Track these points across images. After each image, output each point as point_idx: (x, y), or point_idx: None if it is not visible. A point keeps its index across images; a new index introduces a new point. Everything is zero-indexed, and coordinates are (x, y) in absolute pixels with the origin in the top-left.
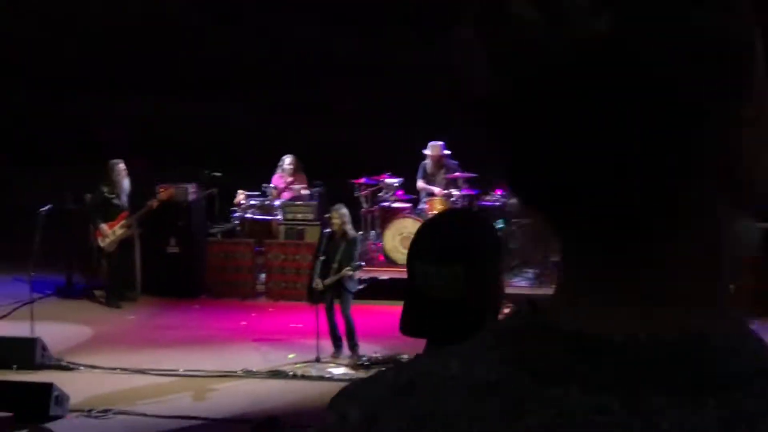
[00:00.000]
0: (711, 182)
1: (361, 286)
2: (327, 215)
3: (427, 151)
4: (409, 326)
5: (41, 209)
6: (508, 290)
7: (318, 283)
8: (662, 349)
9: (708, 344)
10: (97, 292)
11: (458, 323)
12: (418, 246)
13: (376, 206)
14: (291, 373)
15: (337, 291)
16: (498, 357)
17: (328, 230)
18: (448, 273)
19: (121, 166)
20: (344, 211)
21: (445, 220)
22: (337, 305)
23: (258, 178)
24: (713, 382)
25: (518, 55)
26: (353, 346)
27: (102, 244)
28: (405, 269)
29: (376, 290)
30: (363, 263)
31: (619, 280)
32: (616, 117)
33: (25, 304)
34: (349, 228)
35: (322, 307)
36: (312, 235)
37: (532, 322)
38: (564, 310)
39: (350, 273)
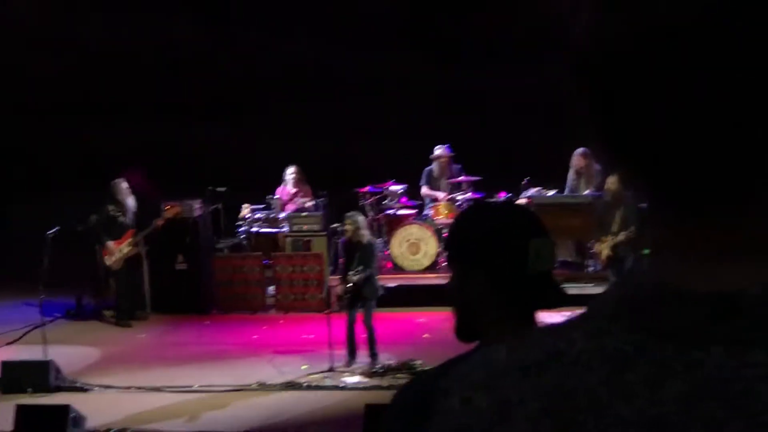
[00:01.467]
0: None
1: (383, 292)
2: (334, 225)
3: (435, 153)
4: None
5: (48, 232)
6: None
7: (344, 287)
8: None
9: None
10: (107, 312)
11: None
12: (523, 225)
13: (382, 214)
14: (305, 384)
15: (362, 300)
16: (626, 326)
17: (342, 239)
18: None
19: (124, 184)
20: (358, 218)
21: (507, 205)
22: (359, 314)
23: (262, 191)
24: None
25: (633, 11)
26: (373, 355)
27: (108, 263)
28: (413, 275)
29: (384, 298)
30: (376, 270)
31: (724, 240)
32: (731, 79)
33: (36, 327)
34: (363, 233)
35: (334, 316)
36: (319, 246)
37: (659, 289)
38: (676, 273)
39: (355, 278)
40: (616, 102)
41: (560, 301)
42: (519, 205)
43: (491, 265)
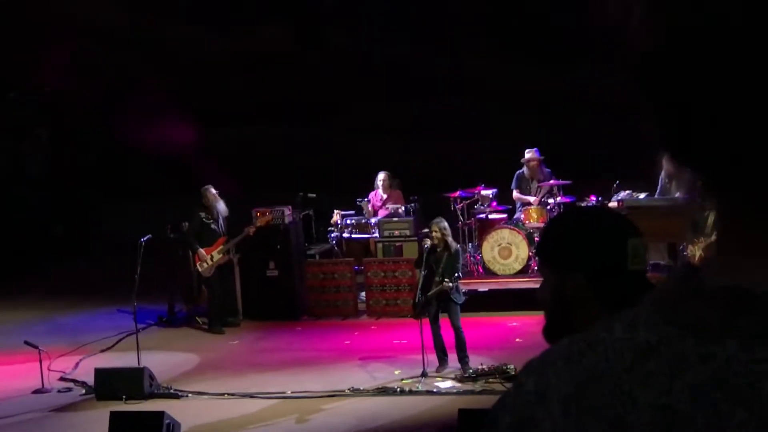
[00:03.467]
0: None
1: (466, 297)
2: (425, 230)
3: (525, 157)
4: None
5: (141, 240)
6: None
7: (421, 298)
8: None
9: None
10: (200, 319)
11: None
12: (618, 226)
13: (473, 218)
14: (398, 389)
15: (443, 304)
16: (660, 319)
17: (428, 244)
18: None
19: (213, 190)
20: (444, 224)
21: (599, 208)
22: (443, 318)
23: (353, 197)
24: None
25: (688, 7)
26: (463, 358)
27: (200, 269)
28: (505, 280)
29: (475, 303)
30: (460, 274)
31: None
32: None
33: (129, 334)
34: (450, 240)
35: (426, 321)
36: (410, 251)
37: (687, 283)
38: (720, 269)
39: (450, 285)
40: (682, 102)
41: None
42: (610, 208)
43: (590, 266)
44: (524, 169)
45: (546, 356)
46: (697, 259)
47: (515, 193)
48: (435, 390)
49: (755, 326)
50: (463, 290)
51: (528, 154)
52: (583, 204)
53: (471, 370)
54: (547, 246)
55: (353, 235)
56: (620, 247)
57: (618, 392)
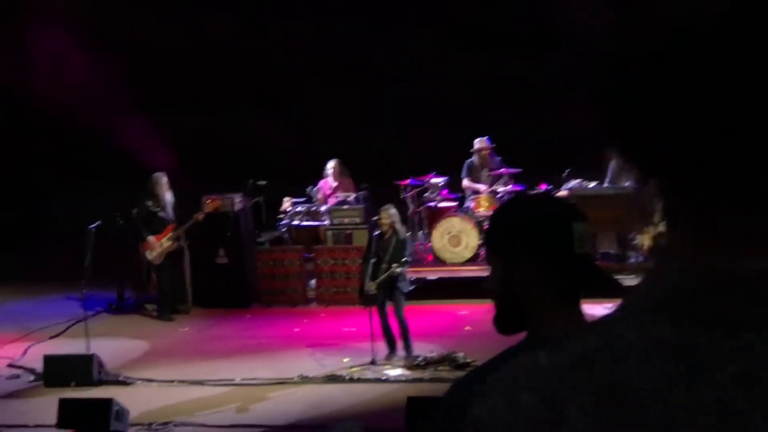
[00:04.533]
0: None
1: (412, 287)
2: (375, 217)
3: (475, 146)
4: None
5: (90, 226)
6: None
7: (370, 285)
8: None
9: None
10: (149, 306)
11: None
12: (563, 211)
13: (423, 206)
14: (347, 377)
15: (390, 292)
16: (672, 316)
17: (377, 232)
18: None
19: (165, 179)
20: (393, 211)
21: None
22: (390, 307)
23: (303, 185)
24: None
25: (655, 11)
26: (408, 347)
27: (149, 257)
28: (454, 268)
29: (425, 290)
30: (410, 259)
31: (750, 231)
32: (754, 77)
33: (78, 321)
34: (399, 227)
35: (375, 309)
36: (360, 239)
37: (696, 278)
38: (712, 263)
39: (398, 270)
40: (641, 108)
41: (605, 285)
42: (553, 195)
43: (538, 251)
44: (475, 157)
45: (529, 367)
46: (645, 248)
47: (465, 182)
48: (384, 378)
49: None
50: (412, 278)
51: (478, 143)
52: (532, 192)
53: (420, 358)
54: (495, 234)
55: (303, 223)
56: (566, 232)
57: (657, 396)
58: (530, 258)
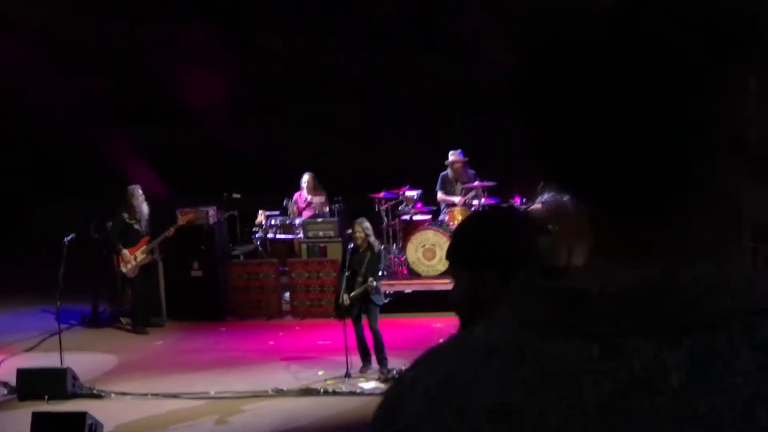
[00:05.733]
0: (724, 149)
1: (387, 300)
2: (349, 230)
3: (449, 159)
4: None
5: (65, 239)
6: None
7: (344, 299)
8: (640, 295)
9: (688, 289)
10: (124, 320)
11: None
12: (528, 225)
13: (397, 219)
14: (321, 390)
15: (364, 305)
16: (512, 318)
17: (351, 245)
18: (553, 242)
19: (139, 191)
20: (367, 224)
21: (508, 209)
22: (364, 320)
23: (277, 198)
24: (691, 322)
25: (532, 29)
26: (382, 360)
27: (124, 270)
28: (429, 281)
29: (400, 303)
30: (385, 273)
31: (626, 243)
32: (628, 86)
33: (53, 334)
34: (373, 240)
35: (349, 322)
36: (334, 252)
37: (531, 284)
38: (576, 273)
39: (373, 285)
40: (532, 122)
41: None
42: (518, 209)
43: (504, 262)
44: (448, 170)
45: (424, 353)
46: None
47: (439, 195)
48: (358, 390)
49: (580, 324)
50: (386, 291)
51: (452, 155)
52: (490, 208)
53: (395, 371)
54: (460, 246)
55: (278, 236)
56: (531, 242)
57: (466, 387)
58: (496, 269)
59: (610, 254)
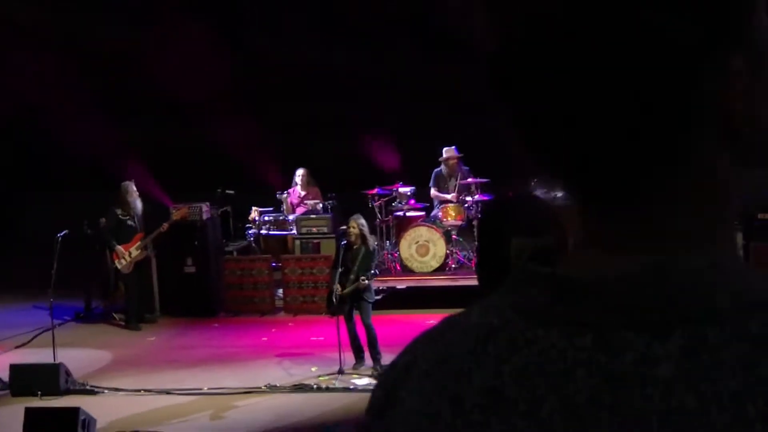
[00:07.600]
0: (709, 133)
1: (379, 296)
2: (342, 227)
3: (443, 156)
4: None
5: (58, 235)
6: None
7: (337, 289)
8: (633, 286)
9: (680, 280)
10: (117, 316)
11: None
12: (509, 224)
13: (390, 216)
14: (315, 386)
15: (357, 301)
16: (506, 304)
17: (344, 242)
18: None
19: (133, 187)
20: (362, 221)
21: (524, 200)
22: (357, 316)
23: (271, 194)
24: (682, 315)
25: (513, 12)
26: (375, 356)
27: (119, 266)
28: (422, 277)
29: (393, 300)
30: (377, 271)
31: (614, 231)
32: (610, 70)
33: (46, 330)
34: (368, 237)
35: (342, 318)
36: (328, 248)
37: (526, 270)
38: (566, 260)
39: (366, 282)
40: (514, 107)
41: None
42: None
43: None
44: (442, 167)
45: (419, 336)
46: None
47: (433, 191)
48: (351, 387)
49: (574, 313)
50: (380, 287)
51: (446, 152)
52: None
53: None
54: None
55: (271, 232)
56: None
57: (460, 372)
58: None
59: (599, 242)
